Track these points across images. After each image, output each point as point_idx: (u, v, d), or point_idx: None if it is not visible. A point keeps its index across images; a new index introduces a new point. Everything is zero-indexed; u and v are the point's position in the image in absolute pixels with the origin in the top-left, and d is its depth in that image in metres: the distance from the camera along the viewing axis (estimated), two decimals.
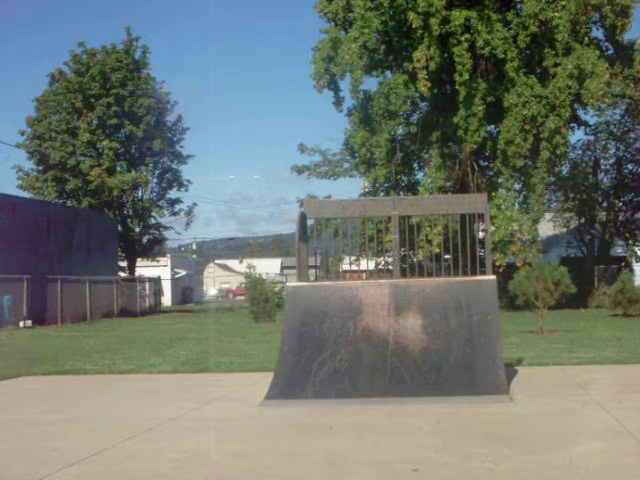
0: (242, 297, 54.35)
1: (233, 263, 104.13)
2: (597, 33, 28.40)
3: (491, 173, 29.74)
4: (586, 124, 33.52)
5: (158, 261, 50.85)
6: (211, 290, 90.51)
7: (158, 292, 46.29)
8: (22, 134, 41.87)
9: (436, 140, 28.48)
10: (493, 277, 9.06)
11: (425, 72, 24.81)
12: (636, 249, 38.34)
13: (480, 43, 25.13)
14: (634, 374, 9.69)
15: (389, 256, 25.73)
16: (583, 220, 37.84)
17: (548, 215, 35.65)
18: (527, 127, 25.39)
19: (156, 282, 46.00)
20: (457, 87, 25.47)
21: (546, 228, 36.71)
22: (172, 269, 76.14)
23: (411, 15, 24.90)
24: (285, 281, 39.17)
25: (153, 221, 45.24)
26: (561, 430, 6.41)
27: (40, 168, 41.56)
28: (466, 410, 7.26)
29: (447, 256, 18.34)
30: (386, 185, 28.84)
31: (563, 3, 25.10)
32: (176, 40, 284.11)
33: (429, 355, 8.34)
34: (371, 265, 35.25)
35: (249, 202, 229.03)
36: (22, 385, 10.53)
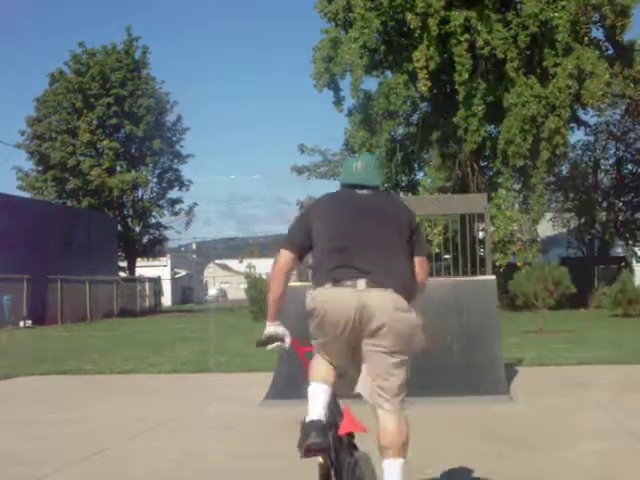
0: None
1: (233, 263, 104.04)
2: (597, 33, 28.39)
3: (491, 173, 29.73)
4: (586, 124, 33.51)
5: (160, 260, 50.85)
6: (211, 290, 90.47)
7: (158, 292, 46.31)
8: (22, 134, 41.91)
9: (436, 140, 28.46)
10: (493, 277, 9.06)
11: (425, 72, 24.78)
12: (636, 249, 38.33)
13: (480, 43, 25.11)
14: (634, 374, 9.69)
15: None
16: (583, 220, 37.83)
17: (548, 215, 35.64)
18: (527, 127, 25.36)
19: (156, 282, 46.01)
20: (457, 87, 25.45)
21: (546, 228, 36.69)
22: (172, 269, 76.14)
23: (409, 16, 24.89)
24: None
25: (153, 221, 45.29)
26: (561, 430, 6.41)
27: (40, 168, 41.56)
28: (466, 410, 7.26)
29: (447, 256, 18.36)
30: (386, 185, 28.81)
31: (563, 3, 25.07)
32: (176, 41, 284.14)
33: (429, 355, 8.32)
34: None
35: (249, 202, 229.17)
36: (22, 385, 10.53)
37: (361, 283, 3.37)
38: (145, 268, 50.41)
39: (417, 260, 3.63)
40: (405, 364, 3.43)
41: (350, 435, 3.37)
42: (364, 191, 3.65)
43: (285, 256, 3.62)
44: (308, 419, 3.32)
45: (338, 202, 3.68)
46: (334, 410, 3.46)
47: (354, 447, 3.38)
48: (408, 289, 3.45)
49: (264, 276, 28.21)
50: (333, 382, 3.45)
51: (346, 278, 3.37)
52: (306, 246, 3.61)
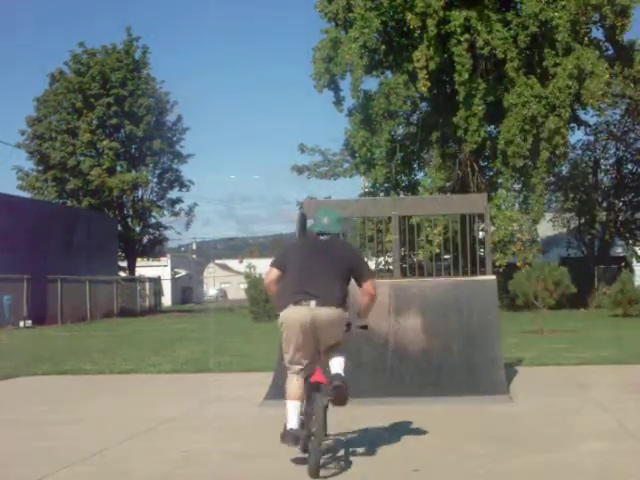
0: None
1: (233, 263, 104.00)
2: (597, 33, 28.35)
3: (491, 173, 29.70)
4: (586, 124, 33.46)
5: (160, 260, 50.76)
6: (211, 290, 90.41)
7: (158, 292, 46.28)
8: (22, 134, 41.86)
9: (436, 140, 28.44)
10: (493, 277, 9.06)
11: (425, 72, 24.76)
12: (636, 249, 38.30)
13: (480, 43, 25.10)
14: (634, 374, 9.69)
15: (389, 256, 25.72)
16: (583, 220, 37.80)
17: (548, 215, 35.60)
18: (527, 127, 25.34)
19: (156, 282, 45.99)
20: (457, 87, 25.43)
21: (546, 228, 36.65)
22: (172, 269, 76.10)
23: (409, 16, 24.87)
24: None
25: (153, 221, 45.25)
26: (561, 430, 6.41)
27: (40, 168, 41.51)
28: (466, 410, 7.27)
29: (447, 256, 18.34)
30: (386, 185, 28.76)
31: (563, 3, 25.06)
32: (176, 40, 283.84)
33: (429, 355, 8.34)
34: (371, 265, 35.19)
35: (249, 202, 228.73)
36: (22, 385, 10.54)
37: (313, 303, 5.26)
38: (145, 268, 50.39)
39: (364, 284, 5.56)
40: (341, 342, 5.48)
41: (317, 382, 5.31)
42: (325, 237, 5.59)
43: (274, 272, 5.61)
44: (288, 427, 5.25)
45: (303, 247, 5.85)
46: (309, 386, 5.38)
47: (318, 389, 5.29)
48: (342, 304, 5.39)
49: (264, 276, 28.16)
50: (302, 395, 5.31)
51: (303, 300, 5.26)
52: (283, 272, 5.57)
